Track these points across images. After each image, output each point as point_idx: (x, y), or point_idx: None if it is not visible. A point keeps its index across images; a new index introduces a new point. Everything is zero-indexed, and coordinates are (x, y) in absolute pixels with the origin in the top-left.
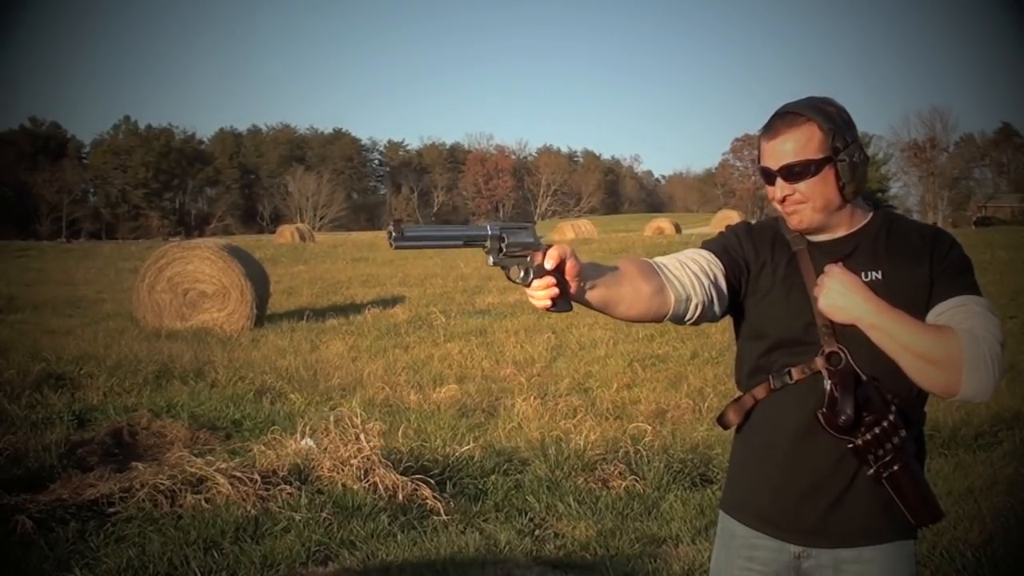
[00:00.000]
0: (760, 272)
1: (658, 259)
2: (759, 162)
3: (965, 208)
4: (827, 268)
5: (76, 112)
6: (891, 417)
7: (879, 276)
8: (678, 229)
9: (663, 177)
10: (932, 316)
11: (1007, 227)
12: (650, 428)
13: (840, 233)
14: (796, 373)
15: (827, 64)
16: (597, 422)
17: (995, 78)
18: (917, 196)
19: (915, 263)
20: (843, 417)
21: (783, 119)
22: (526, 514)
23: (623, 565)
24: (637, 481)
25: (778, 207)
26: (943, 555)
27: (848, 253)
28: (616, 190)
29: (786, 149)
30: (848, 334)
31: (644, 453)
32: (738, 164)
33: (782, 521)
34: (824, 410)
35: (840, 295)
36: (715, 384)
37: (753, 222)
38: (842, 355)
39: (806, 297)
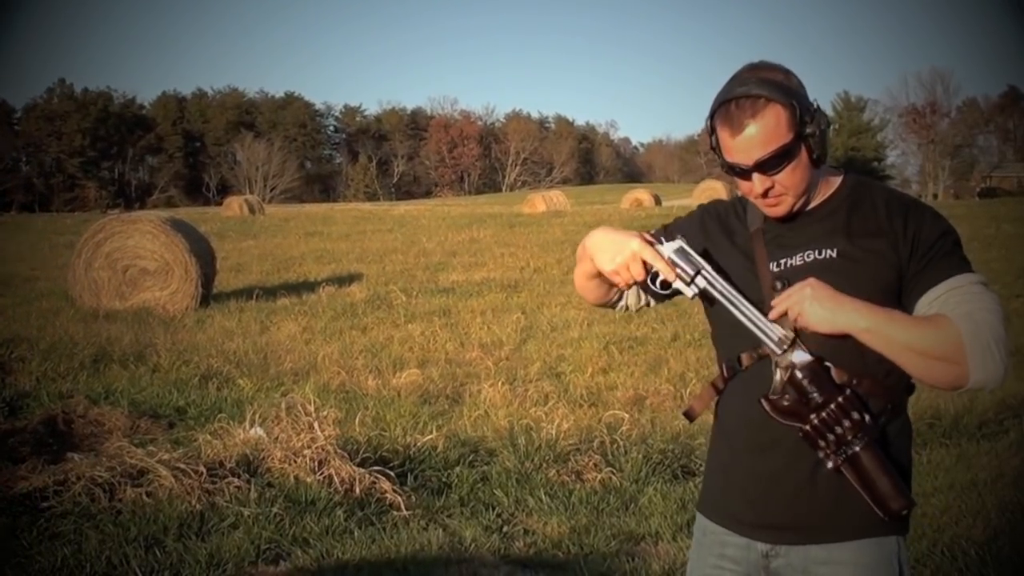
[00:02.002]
0: (716, 254)
1: None
2: (723, 157)
3: (968, 178)
4: (798, 285)
5: (6, 75)
6: (840, 399)
7: (833, 254)
8: (658, 201)
9: (641, 145)
10: (923, 305)
11: (1013, 199)
12: (627, 416)
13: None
14: (745, 359)
15: (818, 22)
16: (570, 409)
17: (1000, 38)
18: (916, 165)
19: (879, 240)
20: (785, 400)
21: (742, 108)
22: (493, 509)
23: (598, 564)
24: (613, 473)
25: (756, 201)
26: (944, 553)
27: (806, 227)
28: (591, 159)
29: (755, 141)
30: None
31: (621, 443)
32: None
33: (746, 517)
34: (769, 395)
35: (821, 308)
36: (697, 368)
37: (722, 199)
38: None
39: (754, 275)
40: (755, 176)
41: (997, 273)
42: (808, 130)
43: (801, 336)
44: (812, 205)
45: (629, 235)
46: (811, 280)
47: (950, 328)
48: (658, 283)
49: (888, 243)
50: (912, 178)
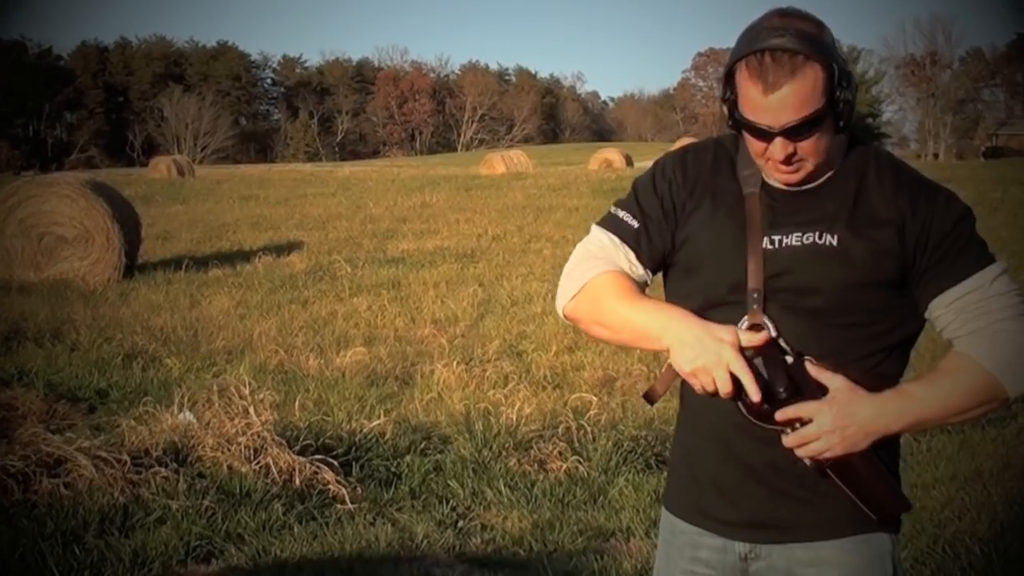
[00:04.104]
0: (692, 214)
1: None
2: (741, 113)
3: (972, 136)
4: (823, 411)
5: None
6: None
7: (833, 242)
8: (629, 162)
9: (611, 100)
10: (939, 308)
11: (1022, 159)
12: (596, 399)
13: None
14: None
15: None
16: (532, 392)
17: None
18: (915, 122)
19: (885, 229)
20: (751, 403)
21: (780, 63)
22: (448, 502)
23: (563, 563)
24: (580, 463)
25: (769, 166)
26: (946, 550)
27: (807, 200)
28: (555, 115)
29: (788, 103)
30: (784, 301)
31: (588, 429)
32: (701, 84)
33: (720, 514)
34: (745, 397)
35: (850, 422)
36: None
37: (697, 143)
38: (765, 328)
39: (740, 250)
40: (778, 140)
41: (1004, 241)
42: (842, 96)
43: (785, 328)
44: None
45: (718, 334)
46: (842, 418)
47: (976, 374)
48: (743, 404)
49: (894, 232)
50: (910, 136)
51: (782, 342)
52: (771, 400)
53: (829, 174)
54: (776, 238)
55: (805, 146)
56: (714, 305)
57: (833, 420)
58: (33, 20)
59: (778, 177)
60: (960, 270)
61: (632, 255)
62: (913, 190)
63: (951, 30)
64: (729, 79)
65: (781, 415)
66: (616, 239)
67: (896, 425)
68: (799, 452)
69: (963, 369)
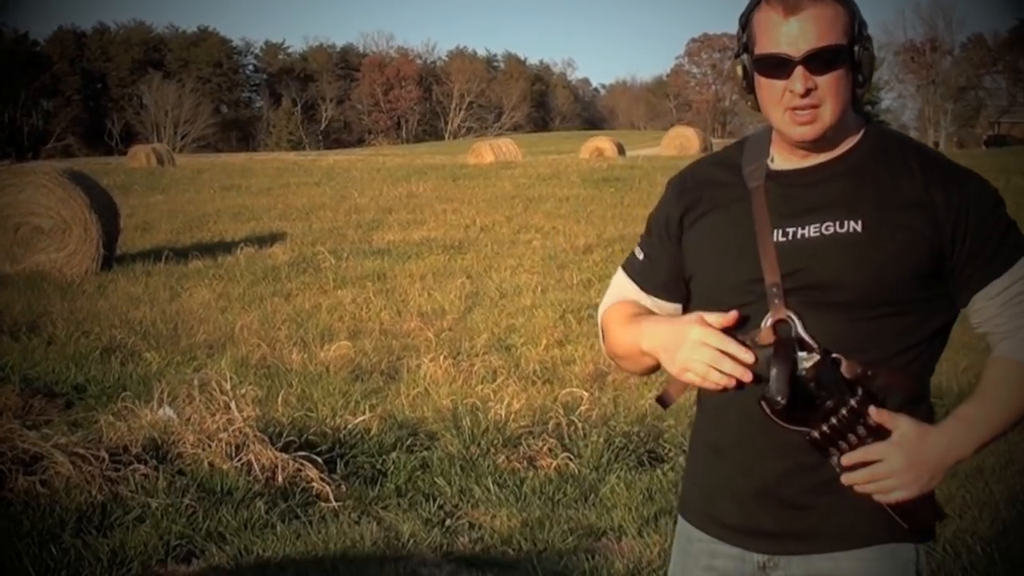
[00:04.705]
0: (693, 225)
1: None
2: (755, 45)
3: (973, 124)
4: (890, 451)
5: None
6: (853, 402)
7: (858, 227)
8: (621, 150)
9: (603, 87)
10: (983, 301)
11: None
12: (587, 395)
13: (823, 157)
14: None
15: None
16: (522, 387)
17: None
18: (914, 110)
19: (914, 212)
20: (776, 401)
21: None
22: (434, 500)
23: (553, 562)
24: (571, 460)
25: (779, 116)
26: (946, 550)
27: (821, 185)
28: (545, 103)
29: (810, 28)
30: (805, 297)
31: (579, 425)
32: (695, 70)
33: (740, 525)
34: (768, 397)
35: (923, 460)
36: None
37: (703, 159)
38: (791, 324)
39: (746, 248)
40: (798, 72)
41: None
42: (862, 48)
43: (810, 325)
44: (831, 156)
45: (682, 323)
46: (915, 457)
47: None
48: (766, 401)
49: (926, 217)
50: (910, 124)
51: (806, 337)
52: (793, 401)
53: (845, 149)
54: (790, 230)
55: (825, 83)
56: (724, 309)
57: (906, 461)
58: (8, 4)
59: (794, 132)
60: (1003, 260)
61: (645, 295)
62: (943, 173)
63: (951, 15)
64: (747, 20)
65: (848, 459)
66: (625, 276)
67: (967, 453)
68: (868, 489)
69: (1013, 375)
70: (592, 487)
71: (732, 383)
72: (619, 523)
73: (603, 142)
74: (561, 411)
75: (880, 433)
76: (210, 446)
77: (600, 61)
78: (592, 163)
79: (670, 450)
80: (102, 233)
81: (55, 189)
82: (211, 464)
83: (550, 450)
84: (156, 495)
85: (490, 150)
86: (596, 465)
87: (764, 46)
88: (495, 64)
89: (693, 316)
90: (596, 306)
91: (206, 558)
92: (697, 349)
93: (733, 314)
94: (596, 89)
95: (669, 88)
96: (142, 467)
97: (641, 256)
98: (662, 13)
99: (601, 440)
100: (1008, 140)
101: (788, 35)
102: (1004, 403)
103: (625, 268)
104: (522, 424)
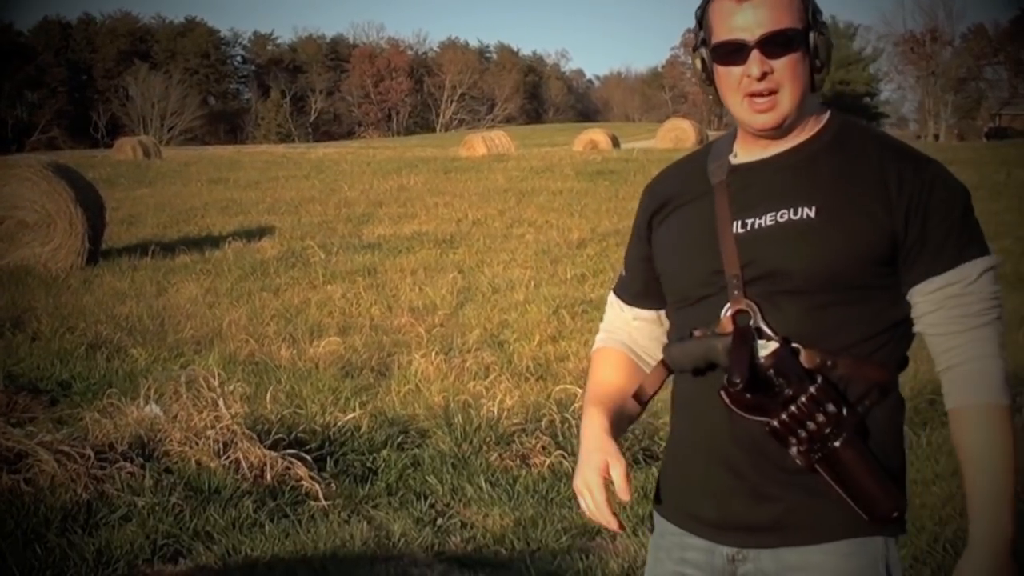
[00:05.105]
0: (660, 225)
1: (614, 335)
2: (711, 36)
3: (974, 116)
4: None
5: None
6: (812, 389)
7: (811, 213)
8: (615, 143)
9: (597, 78)
10: (919, 296)
11: None
12: (581, 391)
13: (784, 146)
14: (698, 335)
15: None
16: (515, 384)
17: None
18: (914, 101)
19: (870, 196)
20: (735, 383)
21: None
22: (426, 499)
23: (546, 562)
24: (564, 457)
25: (739, 104)
26: (947, 549)
27: (778, 175)
28: (538, 94)
29: (764, 13)
30: (764, 287)
31: (573, 422)
32: (691, 62)
33: (708, 518)
34: (728, 386)
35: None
36: None
37: (676, 164)
38: (750, 314)
39: (709, 241)
40: (754, 56)
41: (1008, 226)
42: (817, 32)
43: (769, 314)
44: (791, 145)
45: (594, 452)
46: None
47: (997, 415)
48: (725, 392)
49: (880, 200)
50: (909, 116)
51: (764, 327)
52: (753, 389)
53: (806, 137)
54: (748, 221)
55: (781, 66)
56: (690, 302)
57: None
58: None
59: (755, 120)
60: (949, 258)
61: (625, 307)
62: (902, 157)
63: (952, 5)
64: (700, 22)
65: None
66: (613, 295)
67: (1010, 530)
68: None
69: (984, 427)
70: None
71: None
72: None
73: (597, 134)
74: (555, 408)
75: (841, 421)
76: (197, 444)
77: (594, 52)
78: (586, 156)
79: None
80: (87, 227)
81: (39, 182)
82: (198, 462)
83: (543, 448)
84: (142, 494)
85: (482, 143)
86: None
87: (720, 34)
88: (487, 55)
89: (600, 457)
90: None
91: (193, 558)
92: (583, 490)
93: (622, 484)
94: (590, 80)
95: (665, 79)
96: (128, 465)
97: (623, 270)
98: (657, 3)
99: None
100: (1009, 132)
101: (742, 21)
102: (998, 462)
103: (615, 285)
104: (515, 421)
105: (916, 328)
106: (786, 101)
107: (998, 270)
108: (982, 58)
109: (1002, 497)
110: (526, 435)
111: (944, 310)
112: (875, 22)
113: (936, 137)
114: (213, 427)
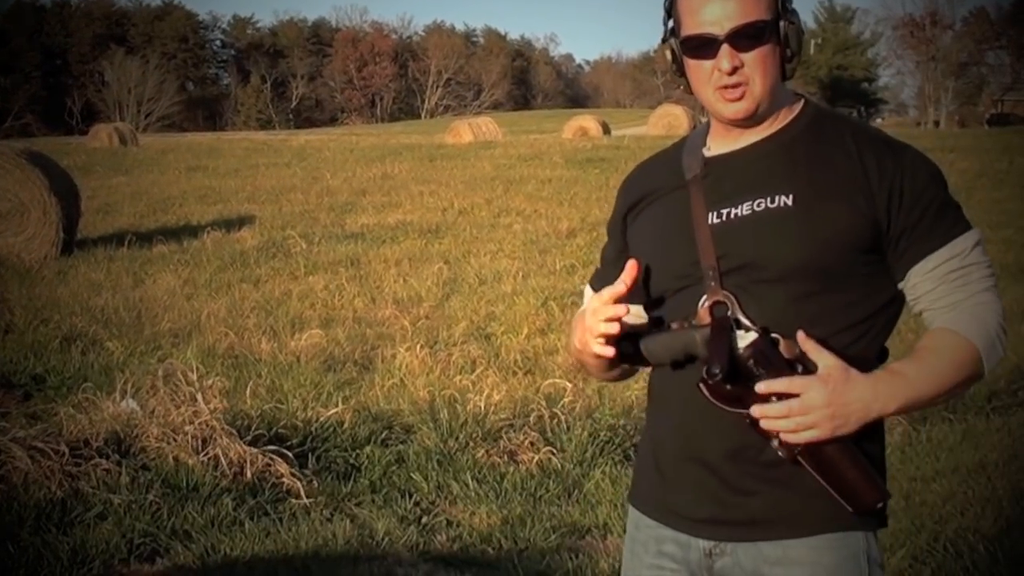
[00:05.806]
0: (634, 220)
1: None
2: (682, 30)
3: (976, 102)
4: (810, 393)
5: None
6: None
7: (788, 201)
8: (606, 129)
9: (587, 63)
10: (917, 277)
11: None
12: (570, 386)
13: (757, 136)
14: (675, 327)
15: None
16: (502, 378)
17: None
18: (914, 87)
19: (848, 184)
20: (714, 373)
21: None
22: (411, 496)
23: (535, 562)
24: (553, 454)
25: (710, 96)
26: (947, 548)
27: (753, 164)
28: (526, 80)
29: (733, 7)
30: (742, 277)
31: (562, 418)
32: None
33: (684, 511)
34: (707, 377)
35: (844, 402)
36: None
37: (652, 158)
38: (727, 305)
39: (684, 233)
40: (724, 50)
41: (1011, 215)
42: (787, 21)
43: (748, 305)
44: (764, 135)
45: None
46: (836, 396)
47: (964, 346)
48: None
49: (859, 188)
50: (909, 102)
51: (742, 317)
52: (732, 379)
53: (779, 126)
54: (724, 211)
55: (752, 59)
56: (667, 295)
57: (827, 397)
58: None
59: (726, 111)
60: (938, 237)
61: None
62: (878, 145)
63: None
64: (669, 12)
65: (766, 387)
66: (589, 288)
67: (891, 407)
68: (779, 426)
69: (951, 345)
70: (576, 483)
71: (610, 352)
72: (604, 520)
73: (587, 121)
74: (543, 403)
75: None
76: (175, 440)
77: (584, 36)
78: (576, 143)
79: None
80: (62, 216)
81: (12, 170)
82: (176, 459)
83: (532, 444)
84: (119, 491)
85: (469, 129)
86: (580, 460)
87: (689, 27)
88: (474, 39)
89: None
90: (580, 293)
91: (171, 557)
92: (591, 319)
93: (621, 287)
94: (580, 65)
95: (656, 64)
96: (104, 462)
97: (599, 265)
98: None
99: (585, 433)
100: (1011, 119)
101: (712, 14)
102: (938, 367)
103: (590, 278)
104: (502, 417)
105: (916, 309)
106: (757, 90)
107: (983, 245)
108: (984, 42)
109: (913, 389)
110: (514, 431)
111: (945, 284)
112: (873, 5)
113: (936, 124)
114: (191, 422)
